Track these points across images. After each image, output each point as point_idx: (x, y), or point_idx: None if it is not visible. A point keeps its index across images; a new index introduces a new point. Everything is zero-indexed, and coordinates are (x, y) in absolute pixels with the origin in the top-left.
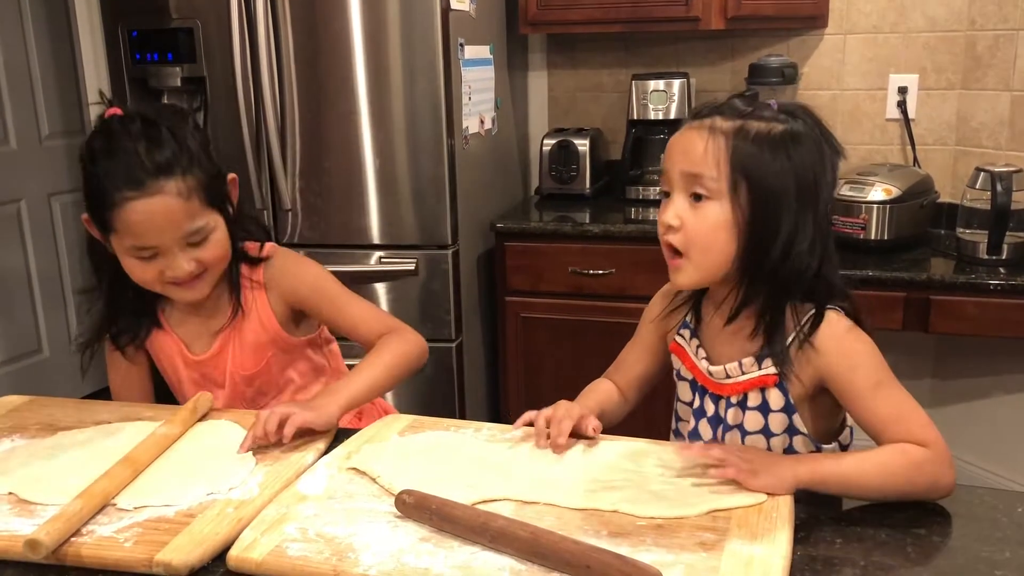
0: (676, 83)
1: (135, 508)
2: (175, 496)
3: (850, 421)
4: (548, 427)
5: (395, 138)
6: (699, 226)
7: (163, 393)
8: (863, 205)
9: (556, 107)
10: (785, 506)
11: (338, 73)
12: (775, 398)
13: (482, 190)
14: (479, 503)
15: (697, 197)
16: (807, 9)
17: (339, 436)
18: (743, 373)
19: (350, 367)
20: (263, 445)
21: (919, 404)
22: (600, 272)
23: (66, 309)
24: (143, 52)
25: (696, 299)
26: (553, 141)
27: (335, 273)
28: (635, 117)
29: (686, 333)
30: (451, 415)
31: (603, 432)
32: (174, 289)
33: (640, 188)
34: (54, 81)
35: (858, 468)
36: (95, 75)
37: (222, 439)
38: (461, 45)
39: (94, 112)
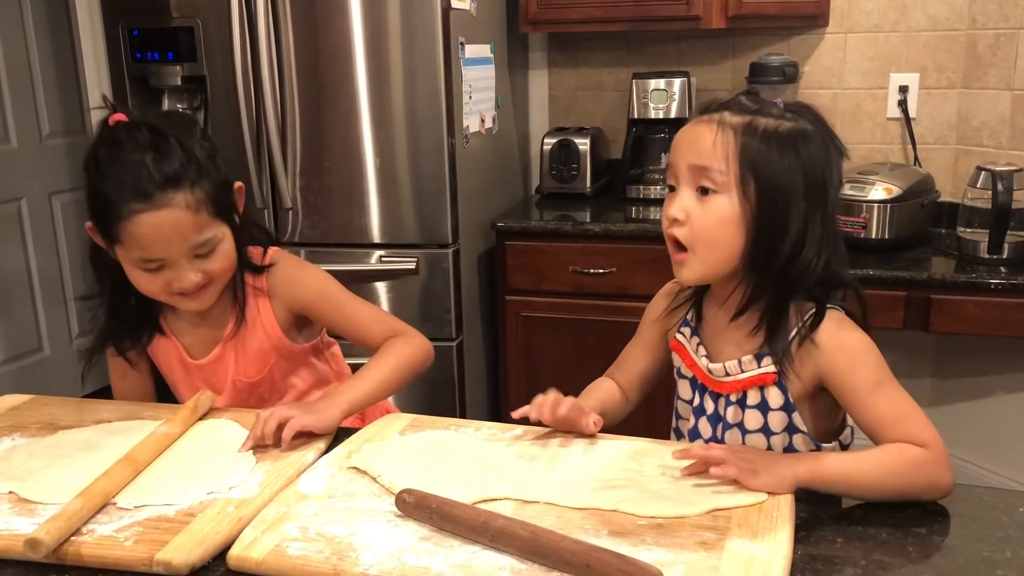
0: (677, 82)
1: (135, 507)
2: (175, 495)
3: (850, 421)
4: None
5: (395, 137)
6: (705, 220)
7: (165, 397)
8: (864, 204)
9: (557, 106)
10: (786, 505)
11: (339, 72)
12: (774, 396)
13: (483, 189)
14: (479, 502)
15: (704, 191)
16: (808, 8)
17: (340, 435)
18: (742, 371)
19: (352, 366)
20: (262, 446)
21: (919, 404)
22: (601, 271)
23: (67, 308)
24: (143, 51)
25: (697, 297)
26: (554, 140)
27: (335, 272)
28: (636, 116)
29: (687, 331)
30: (451, 414)
31: (605, 431)
32: (179, 299)
33: (641, 187)
34: (54, 80)
35: (857, 468)
36: (95, 74)
37: (222, 438)
38: (462, 44)
39: (96, 116)
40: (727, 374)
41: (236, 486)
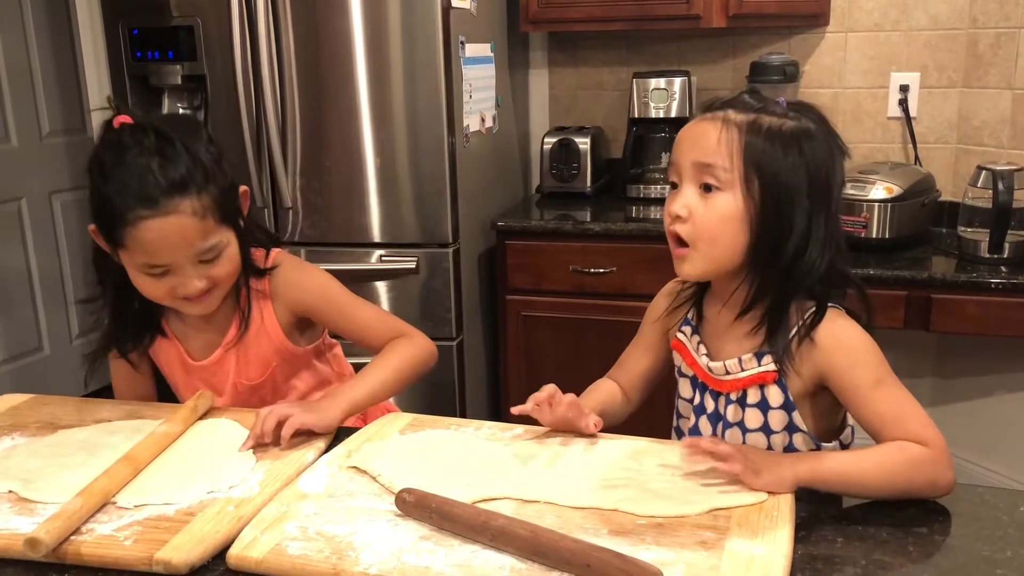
0: (677, 81)
1: (135, 506)
2: (175, 494)
3: (851, 420)
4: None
5: (396, 136)
6: (708, 217)
7: (167, 400)
8: (864, 203)
9: (557, 105)
10: (786, 505)
11: (339, 71)
12: (774, 395)
13: (483, 188)
14: (479, 502)
15: (707, 188)
16: (808, 7)
17: (339, 435)
18: (742, 369)
19: (355, 366)
20: (262, 444)
21: (919, 403)
22: (601, 271)
23: (67, 308)
24: (143, 50)
25: (698, 296)
26: (554, 139)
27: (336, 272)
28: (636, 115)
29: (687, 330)
30: (452, 414)
31: (605, 431)
32: (183, 304)
33: (641, 186)
34: (55, 79)
35: (857, 466)
36: (95, 73)
37: (222, 437)
38: (462, 43)
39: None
40: (727, 372)
41: (236, 485)
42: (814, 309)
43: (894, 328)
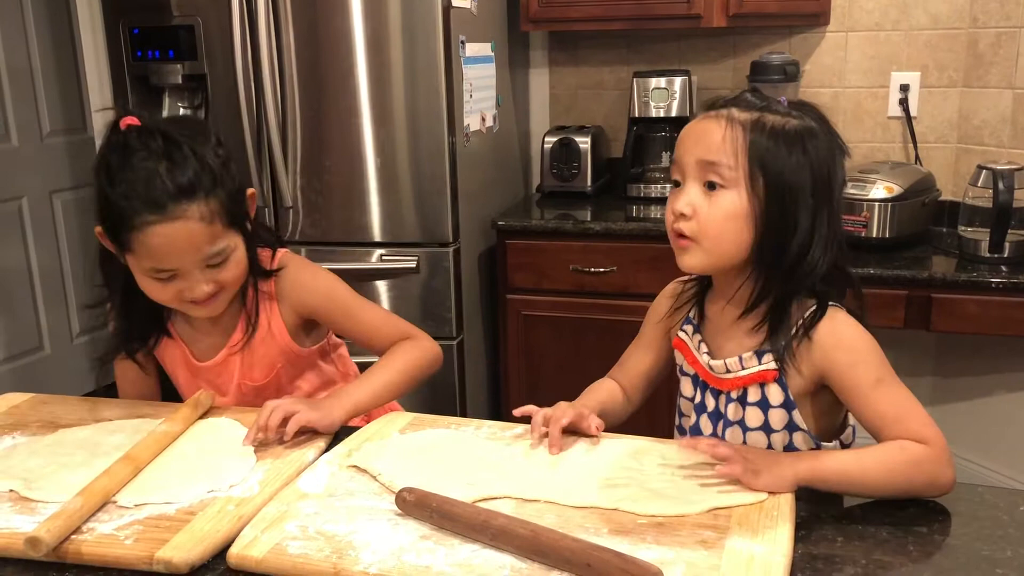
0: (678, 81)
1: (136, 505)
2: (176, 494)
3: (852, 420)
4: (545, 427)
5: (396, 136)
6: (712, 215)
7: (170, 400)
8: (864, 203)
9: (557, 104)
10: (786, 504)
11: (339, 70)
12: (774, 394)
13: (483, 188)
14: (479, 501)
15: (711, 186)
16: (809, 7)
17: (340, 433)
18: (743, 368)
19: (360, 365)
20: (264, 441)
21: (920, 402)
22: (601, 270)
23: (67, 306)
24: (144, 49)
25: (700, 295)
26: (554, 139)
27: (336, 271)
28: (636, 115)
29: (689, 328)
30: (452, 413)
31: (606, 431)
32: (190, 307)
33: (642, 186)
34: (55, 78)
35: (858, 465)
36: (96, 72)
37: (223, 436)
38: (462, 42)
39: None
40: (728, 371)
41: (236, 484)
42: (815, 307)
43: (894, 328)
